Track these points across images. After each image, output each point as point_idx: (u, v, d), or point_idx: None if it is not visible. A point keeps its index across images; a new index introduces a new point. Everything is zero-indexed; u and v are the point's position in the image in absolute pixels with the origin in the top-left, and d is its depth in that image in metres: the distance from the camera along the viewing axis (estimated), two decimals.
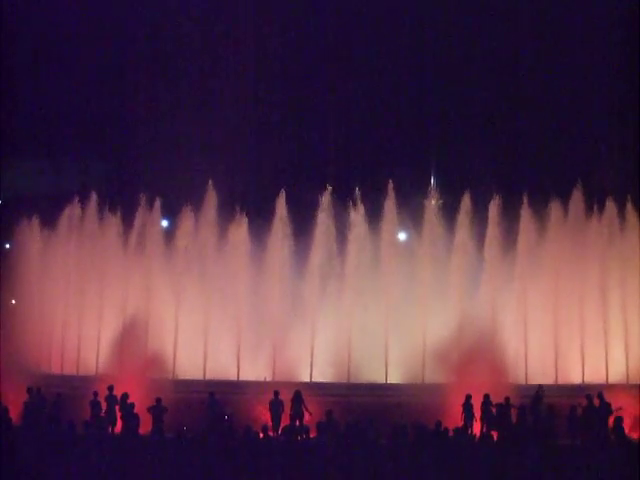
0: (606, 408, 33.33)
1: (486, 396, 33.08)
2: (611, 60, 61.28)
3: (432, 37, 65.39)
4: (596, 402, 33.34)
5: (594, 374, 40.10)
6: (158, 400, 33.18)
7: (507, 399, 32.68)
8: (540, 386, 34.48)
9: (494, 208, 43.54)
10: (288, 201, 43.97)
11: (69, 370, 41.11)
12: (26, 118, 64.80)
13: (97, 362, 39.40)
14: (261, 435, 30.37)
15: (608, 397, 33.83)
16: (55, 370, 41.35)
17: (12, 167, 63.54)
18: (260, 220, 43.43)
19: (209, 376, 39.31)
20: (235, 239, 42.48)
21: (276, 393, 33.98)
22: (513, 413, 32.26)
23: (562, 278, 42.02)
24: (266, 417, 33.85)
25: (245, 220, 43.06)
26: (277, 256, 42.36)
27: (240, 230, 42.79)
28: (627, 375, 39.95)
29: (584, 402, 33.29)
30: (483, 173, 52.20)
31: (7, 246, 54.57)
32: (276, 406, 33.85)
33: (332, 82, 65.40)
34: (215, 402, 33.65)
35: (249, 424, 30.92)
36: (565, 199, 43.65)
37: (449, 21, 64.52)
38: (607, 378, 39.77)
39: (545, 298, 41.82)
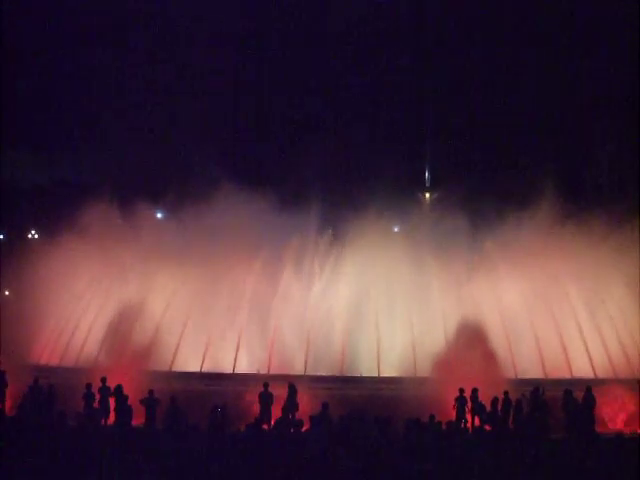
0: (591, 402, 33.59)
1: (474, 390, 33.26)
2: (612, 60, 61.54)
3: (432, 34, 65.57)
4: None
5: (580, 369, 40.56)
6: (151, 392, 33.22)
7: (506, 393, 32.91)
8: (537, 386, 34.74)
9: (486, 206, 43.93)
10: (284, 195, 44.13)
11: (65, 362, 41.21)
12: (22, 110, 64.77)
13: (96, 354, 39.42)
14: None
15: (599, 391, 34.12)
16: (51, 362, 41.43)
17: (8, 157, 63.52)
18: (258, 214, 43.58)
19: (206, 368, 39.53)
20: (234, 234, 42.60)
21: (266, 385, 34.05)
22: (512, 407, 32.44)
23: (548, 276, 42.46)
24: (256, 409, 33.96)
25: (244, 215, 43.25)
26: (274, 252, 42.54)
27: (239, 225, 42.91)
28: (613, 370, 40.35)
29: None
30: (478, 168, 52.52)
31: (1, 237, 54.66)
32: (266, 398, 33.90)
33: (332, 74, 65.55)
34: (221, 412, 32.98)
35: (241, 416, 31.06)
36: (554, 201, 44.19)
37: (449, 17, 64.69)
38: (594, 372, 40.16)
39: (533, 294, 42.19)
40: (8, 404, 34.61)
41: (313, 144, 63.11)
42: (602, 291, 43.07)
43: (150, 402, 33.09)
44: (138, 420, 33.00)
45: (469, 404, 33.18)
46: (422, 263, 42.84)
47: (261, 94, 66.79)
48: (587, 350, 41.10)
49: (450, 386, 33.89)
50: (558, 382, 37.02)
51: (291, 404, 33.44)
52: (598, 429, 32.96)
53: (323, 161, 59.99)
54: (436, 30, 66.26)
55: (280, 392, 33.84)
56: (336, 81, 66.63)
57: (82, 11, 66.10)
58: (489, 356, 36.51)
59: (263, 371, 38.64)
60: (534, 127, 65.46)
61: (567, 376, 39.64)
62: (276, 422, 32.11)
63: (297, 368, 39.26)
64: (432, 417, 29.48)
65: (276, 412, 33.43)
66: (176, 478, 24.98)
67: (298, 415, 32.96)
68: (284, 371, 37.78)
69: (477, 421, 32.94)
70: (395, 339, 41.18)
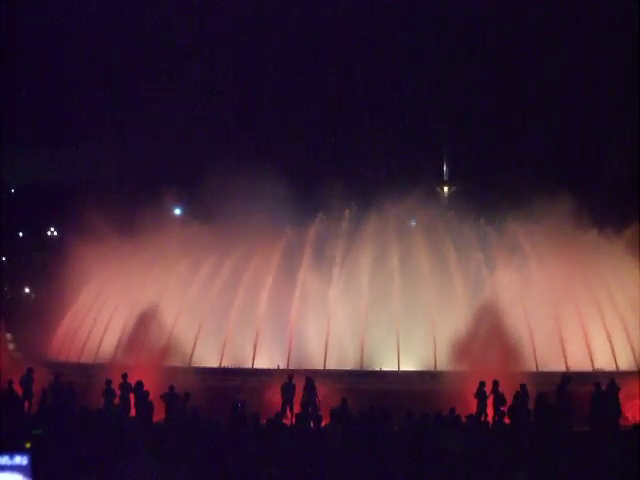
0: (616, 395, 33.39)
1: (495, 382, 33.10)
2: (612, 60, 61.35)
3: (442, 33, 65.51)
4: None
5: (602, 362, 40.40)
6: (171, 387, 33.22)
7: (523, 386, 32.71)
8: (565, 373, 34.65)
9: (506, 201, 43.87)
10: (301, 191, 44.14)
11: (84, 359, 41.38)
12: (40, 108, 65.02)
13: (114, 351, 39.53)
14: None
15: (621, 384, 33.89)
16: (70, 359, 41.60)
17: (25, 156, 63.76)
18: (275, 210, 43.58)
19: (225, 364, 39.63)
20: (252, 230, 42.64)
21: (290, 377, 34.26)
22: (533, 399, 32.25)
23: (571, 269, 42.31)
24: (277, 401, 33.97)
25: (260, 211, 43.29)
26: (292, 246, 42.56)
27: (257, 221, 42.97)
28: (636, 362, 40.15)
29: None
30: (497, 163, 52.43)
31: (20, 234, 54.91)
32: (288, 390, 33.96)
33: (351, 67, 65.53)
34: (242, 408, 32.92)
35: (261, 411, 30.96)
36: (576, 193, 44.07)
37: (455, 18, 64.65)
38: (617, 365, 39.99)
39: (552, 287, 42.02)
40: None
41: (329, 140, 63.12)
42: (625, 283, 42.90)
43: (170, 397, 33.08)
44: (158, 416, 33.03)
45: (490, 397, 32.98)
46: (442, 256, 42.72)
47: (283, 83, 66.79)
48: (610, 343, 40.94)
49: (470, 380, 33.73)
50: (580, 375, 36.83)
51: (309, 398, 33.39)
52: (620, 422, 32.77)
53: (340, 156, 59.98)
54: (451, 28, 66.27)
55: (300, 387, 33.84)
56: (352, 75, 66.53)
57: (86, 5, 66.40)
58: (510, 349, 36.29)
59: (282, 366, 38.66)
60: (552, 122, 65.38)
61: (589, 369, 39.49)
62: (296, 417, 32.07)
63: (316, 363, 39.27)
64: (452, 410, 29.29)
65: (296, 406, 33.42)
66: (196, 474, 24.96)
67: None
68: (303, 366, 37.77)
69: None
70: (415, 333, 41.10)
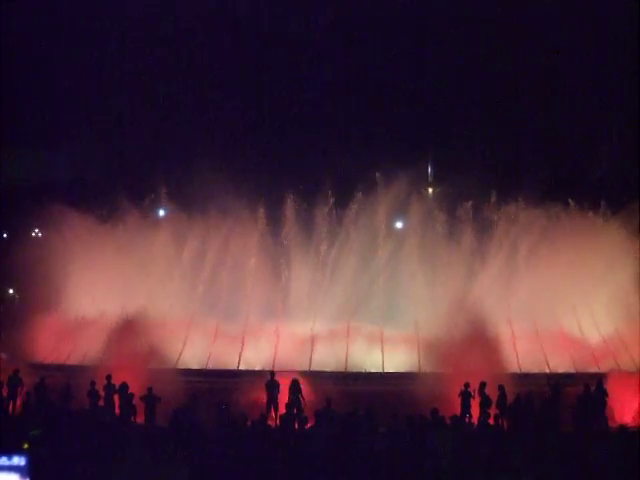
0: (602, 396, 33.50)
1: (482, 384, 33.18)
2: (611, 61, 61.59)
3: (432, 32, 65.59)
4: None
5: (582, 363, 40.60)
6: (150, 389, 33.13)
7: (501, 388, 32.84)
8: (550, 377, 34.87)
9: (489, 203, 44.05)
10: (287, 190, 44.20)
11: (70, 360, 41.23)
12: (24, 106, 64.81)
13: (101, 353, 39.40)
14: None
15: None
16: (56, 360, 41.45)
17: (9, 155, 63.56)
18: (260, 209, 43.66)
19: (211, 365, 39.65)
20: (237, 229, 42.66)
21: (272, 374, 34.30)
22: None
23: (552, 271, 42.53)
24: (262, 402, 34.00)
25: (246, 210, 43.36)
26: (276, 250, 42.65)
27: (241, 220, 42.99)
28: (617, 363, 40.34)
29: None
30: (480, 164, 52.51)
31: (4, 235, 54.76)
32: (272, 387, 34.03)
33: (336, 70, 65.56)
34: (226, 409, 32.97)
35: (246, 413, 31.02)
36: (555, 200, 44.30)
37: (449, 16, 64.74)
38: (598, 366, 40.17)
39: (537, 289, 42.22)
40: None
41: (315, 142, 63.15)
42: (605, 285, 43.14)
43: (149, 399, 33.03)
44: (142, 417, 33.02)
45: (477, 398, 33.06)
46: (426, 258, 42.85)
47: (265, 87, 66.79)
48: (589, 344, 41.15)
49: (454, 381, 33.82)
50: (561, 377, 36.99)
51: (294, 399, 33.43)
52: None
53: (326, 157, 60.02)
54: (437, 27, 66.34)
55: (285, 388, 33.87)
56: (339, 76, 66.61)
57: (79, 6, 66.26)
58: (492, 351, 36.43)
59: (268, 368, 38.67)
60: (537, 120, 65.58)
61: (571, 370, 39.66)
62: (281, 418, 32.09)
63: (301, 364, 39.30)
64: (435, 411, 29.29)
65: (282, 407, 33.44)
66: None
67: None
68: (288, 367, 37.79)
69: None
70: (399, 334, 41.19)
